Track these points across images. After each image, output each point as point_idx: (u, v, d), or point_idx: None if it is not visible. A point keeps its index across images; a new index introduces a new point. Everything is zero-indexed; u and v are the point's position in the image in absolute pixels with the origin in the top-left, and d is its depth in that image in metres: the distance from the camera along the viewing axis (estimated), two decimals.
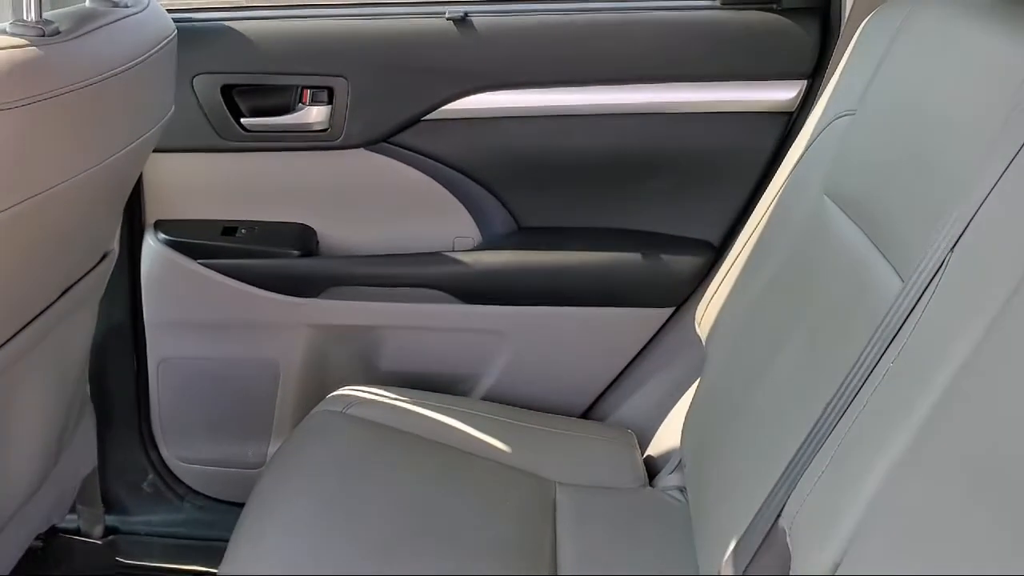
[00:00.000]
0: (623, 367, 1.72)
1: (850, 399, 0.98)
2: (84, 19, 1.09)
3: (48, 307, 1.28)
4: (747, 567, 1.06)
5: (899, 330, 0.95)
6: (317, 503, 1.33)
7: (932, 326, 0.90)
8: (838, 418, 0.99)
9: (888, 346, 0.96)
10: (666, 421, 1.63)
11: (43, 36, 1.00)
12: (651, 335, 1.70)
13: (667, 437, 1.62)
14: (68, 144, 1.06)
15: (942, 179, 1.00)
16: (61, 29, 1.03)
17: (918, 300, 0.94)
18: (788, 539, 1.00)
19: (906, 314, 0.95)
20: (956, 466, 0.78)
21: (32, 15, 1.01)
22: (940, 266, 0.93)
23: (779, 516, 1.02)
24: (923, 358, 0.89)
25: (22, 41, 0.98)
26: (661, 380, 1.69)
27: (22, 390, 1.31)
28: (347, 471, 1.41)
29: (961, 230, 0.92)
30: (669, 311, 1.68)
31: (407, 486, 1.40)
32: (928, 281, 0.94)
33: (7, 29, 1.00)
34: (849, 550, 0.89)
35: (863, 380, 0.98)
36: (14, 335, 1.20)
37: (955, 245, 0.92)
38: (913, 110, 1.13)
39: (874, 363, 0.97)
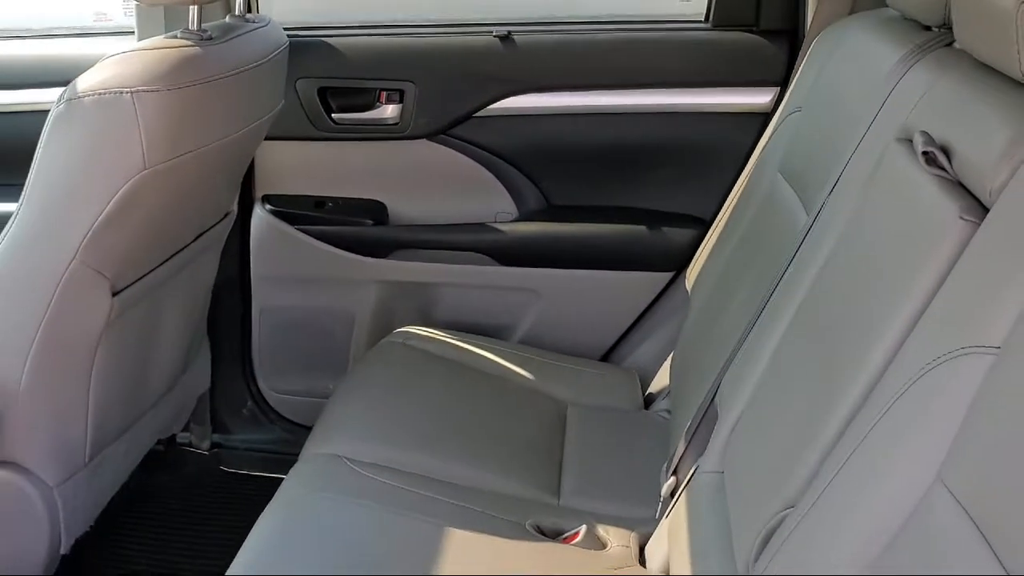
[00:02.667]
0: (632, 321, 2.08)
1: (765, 301, 1.36)
2: (228, 29, 1.53)
3: (186, 246, 1.72)
4: (692, 437, 1.43)
5: (797, 250, 1.32)
6: (381, 402, 1.73)
7: (810, 244, 1.28)
8: (757, 315, 1.36)
9: (791, 261, 1.33)
10: (664, 364, 1.99)
11: (202, 40, 1.44)
12: (655, 294, 2.05)
13: (664, 376, 1.97)
14: (213, 117, 1.49)
15: (838, 147, 1.36)
16: (213, 36, 1.47)
17: (809, 228, 1.31)
18: (718, 408, 1.37)
19: (801, 238, 1.32)
20: (813, 332, 1.15)
21: (195, 25, 1.45)
22: (823, 205, 1.30)
23: (716, 392, 1.39)
24: (802, 265, 1.27)
25: (189, 43, 1.42)
26: (663, 331, 2.04)
27: (165, 307, 1.74)
28: (404, 383, 1.81)
29: (836, 179, 1.29)
30: (670, 275, 2.04)
31: (450, 397, 1.79)
32: (816, 216, 1.31)
33: (178, 34, 1.44)
34: (748, 405, 1.26)
35: (775, 286, 1.34)
36: (164, 261, 1.64)
37: (832, 190, 1.29)
38: (832, 102, 1.50)
39: (782, 274, 1.34)
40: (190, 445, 2.22)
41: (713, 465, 1.31)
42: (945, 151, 0.96)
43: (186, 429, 2.20)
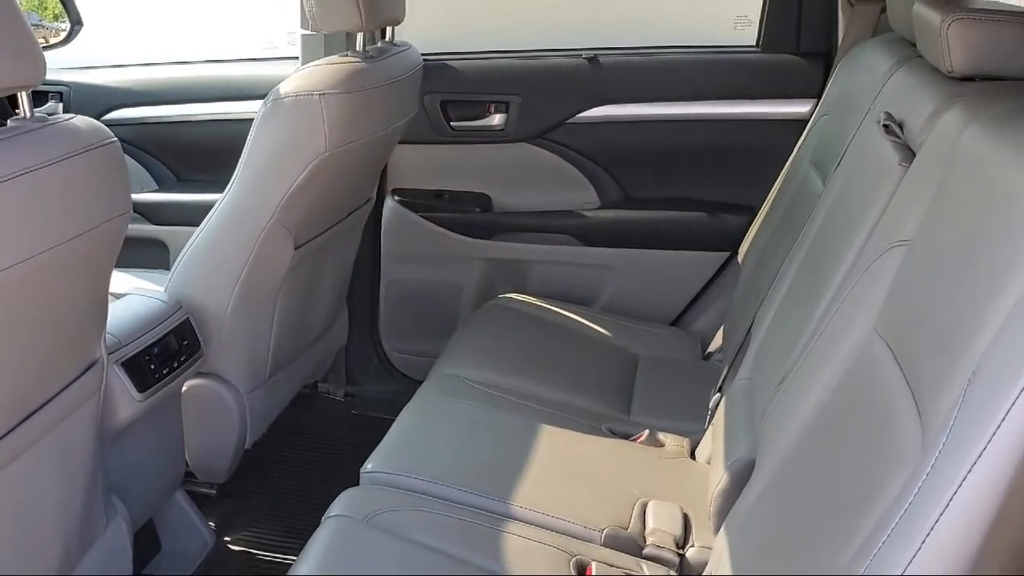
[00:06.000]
0: (695, 294, 2.50)
1: (786, 255, 1.77)
2: (382, 50, 2.03)
3: (341, 219, 2.21)
4: (733, 361, 1.84)
5: (810, 214, 1.74)
6: (489, 343, 2.18)
7: (819, 209, 1.69)
8: (779, 268, 1.78)
9: (807, 223, 1.75)
10: (721, 329, 2.39)
11: (366, 58, 1.93)
12: (714, 271, 2.48)
13: (720, 338, 2.38)
14: (373, 116, 1.98)
15: (846, 135, 1.78)
16: (373, 55, 1.96)
17: (818, 199, 1.73)
18: (750, 334, 1.78)
19: (812, 208, 1.74)
20: (812, 261, 1.57)
21: (360, 47, 1.95)
22: (828, 178, 1.72)
23: (752, 326, 1.81)
24: (811, 226, 1.68)
25: (357, 59, 1.91)
26: (720, 302, 2.45)
27: (323, 270, 2.23)
28: (506, 331, 2.26)
29: (839, 158, 1.70)
30: (726, 254, 2.45)
31: (543, 343, 2.23)
32: (824, 187, 1.73)
33: (348, 54, 1.94)
34: (769, 326, 1.68)
35: (793, 243, 1.76)
36: (327, 229, 2.13)
37: (836, 166, 1.71)
38: (848, 104, 1.92)
39: (799, 234, 1.76)
40: (328, 392, 2.72)
41: (745, 374, 1.72)
42: (900, 125, 1.38)
43: (324, 380, 2.69)
